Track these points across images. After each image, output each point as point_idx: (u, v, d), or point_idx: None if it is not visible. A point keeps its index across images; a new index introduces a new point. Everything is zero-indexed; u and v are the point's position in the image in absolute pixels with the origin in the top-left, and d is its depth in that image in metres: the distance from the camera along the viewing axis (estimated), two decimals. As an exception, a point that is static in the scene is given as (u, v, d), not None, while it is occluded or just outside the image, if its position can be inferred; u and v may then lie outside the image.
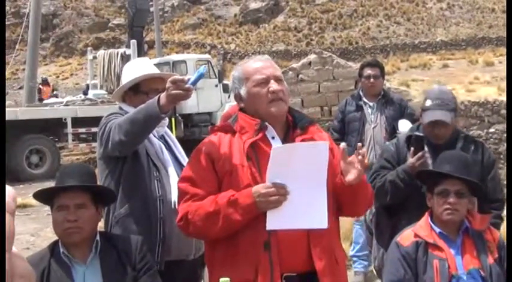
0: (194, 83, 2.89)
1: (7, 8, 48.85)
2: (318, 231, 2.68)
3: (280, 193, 2.61)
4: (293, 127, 2.88)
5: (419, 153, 3.72)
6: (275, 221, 2.62)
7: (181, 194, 2.84)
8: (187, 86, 2.87)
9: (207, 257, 2.91)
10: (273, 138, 2.82)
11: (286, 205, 2.62)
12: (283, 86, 2.84)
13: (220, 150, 2.79)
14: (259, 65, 2.88)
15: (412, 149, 3.76)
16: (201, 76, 2.89)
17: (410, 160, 3.73)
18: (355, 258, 6.29)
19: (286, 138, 2.84)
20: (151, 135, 3.37)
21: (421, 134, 3.84)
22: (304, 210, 2.64)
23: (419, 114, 4.04)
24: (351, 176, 2.70)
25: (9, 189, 0.72)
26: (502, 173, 7.74)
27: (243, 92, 2.87)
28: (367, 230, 4.10)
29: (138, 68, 3.58)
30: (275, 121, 2.84)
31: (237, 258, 2.70)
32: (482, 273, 3.16)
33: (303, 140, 2.78)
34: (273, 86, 2.79)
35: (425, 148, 3.77)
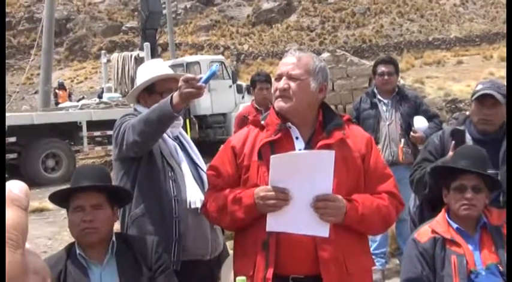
0: (206, 81, 2.90)
1: (21, 14, 49.16)
2: (325, 239, 2.66)
3: (279, 197, 2.62)
4: (321, 129, 2.85)
5: (459, 148, 3.70)
6: (275, 223, 2.65)
7: (208, 182, 3.01)
8: (199, 84, 2.89)
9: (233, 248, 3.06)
10: (296, 138, 2.83)
11: (287, 209, 2.64)
12: (295, 83, 2.79)
13: (244, 145, 2.85)
14: (285, 60, 2.89)
15: (453, 142, 3.74)
16: (213, 74, 2.91)
17: (450, 153, 3.71)
18: (372, 256, 6.24)
19: (310, 140, 2.82)
20: (165, 136, 3.38)
21: (462, 128, 3.83)
22: (306, 216, 2.64)
23: (469, 106, 4.03)
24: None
25: (21, 185, 0.71)
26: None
27: None
28: (411, 223, 4.08)
29: (153, 69, 3.60)
30: (294, 118, 2.83)
31: (243, 252, 2.81)
32: (500, 268, 3.12)
33: (324, 145, 2.74)
34: (280, 83, 2.80)
35: (467, 142, 3.75)
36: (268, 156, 2.71)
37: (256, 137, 2.85)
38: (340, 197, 2.66)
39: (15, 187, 0.71)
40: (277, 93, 2.81)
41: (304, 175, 2.62)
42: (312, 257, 2.68)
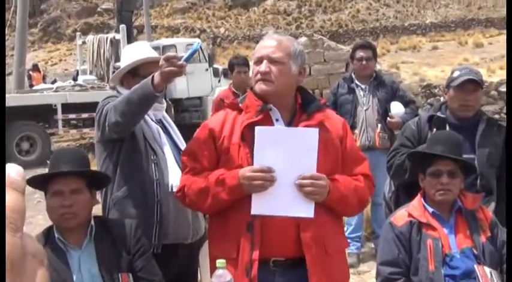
0: (187, 59, 2.91)
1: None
2: (307, 221, 2.68)
3: (266, 178, 2.63)
4: (300, 111, 2.87)
5: (435, 133, 3.73)
6: (260, 205, 2.64)
7: (183, 166, 2.95)
8: (180, 62, 2.89)
9: (208, 231, 3.03)
10: (276, 120, 2.82)
11: (272, 190, 2.63)
12: (276, 67, 2.80)
13: (223, 128, 2.83)
14: (264, 43, 2.90)
15: (434, 129, 3.78)
16: (194, 52, 2.94)
17: None
18: (348, 240, 6.31)
19: (291, 122, 2.84)
20: (148, 119, 3.38)
21: (443, 115, 3.87)
22: (290, 197, 2.64)
23: (443, 93, 4.11)
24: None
25: (18, 168, 0.72)
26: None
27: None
28: (386, 208, 4.13)
29: (137, 51, 3.58)
30: (274, 101, 2.82)
31: (225, 235, 2.76)
32: (475, 251, 3.18)
33: (306, 126, 2.76)
34: (261, 67, 2.80)
35: (447, 129, 3.80)
36: (250, 138, 2.72)
37: (235, 120, 2.83)
38: (324, 175, 2.70)
39: (12, 170, 0.71)
40: (259, 76, 2.80)
41: (289, 154, 2.62)
42: (294, 239, 2.69)
